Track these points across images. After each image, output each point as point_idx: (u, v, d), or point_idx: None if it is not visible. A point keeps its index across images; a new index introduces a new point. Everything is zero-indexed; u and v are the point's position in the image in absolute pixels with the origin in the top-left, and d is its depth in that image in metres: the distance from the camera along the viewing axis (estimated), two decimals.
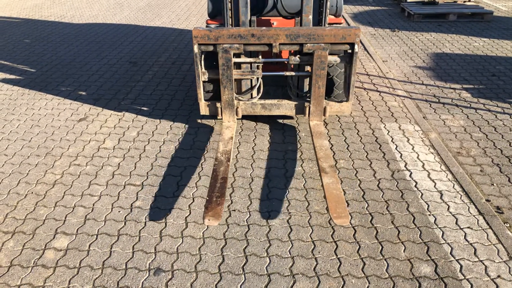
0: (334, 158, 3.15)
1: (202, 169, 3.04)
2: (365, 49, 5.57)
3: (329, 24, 3.51)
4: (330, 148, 3.28)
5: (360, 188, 2.81)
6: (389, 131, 3.51)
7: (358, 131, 3.52)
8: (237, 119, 3.28)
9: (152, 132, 3.57)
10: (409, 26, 6.59)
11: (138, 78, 4.76)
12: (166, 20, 7.47)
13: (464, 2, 7.55)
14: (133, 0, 9.27)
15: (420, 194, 2.73)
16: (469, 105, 3.93)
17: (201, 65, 3.08)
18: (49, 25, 7.26)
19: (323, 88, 3.09)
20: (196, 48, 2.96)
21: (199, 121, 3.74)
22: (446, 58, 5.15)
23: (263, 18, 3.56)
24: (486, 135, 3.43)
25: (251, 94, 3.34)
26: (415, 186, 2.81)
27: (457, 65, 4.92)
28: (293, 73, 3.18)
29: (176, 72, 4.91)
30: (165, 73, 4.89)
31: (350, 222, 2.50)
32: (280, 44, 2.93)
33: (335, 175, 2.55)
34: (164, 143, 3.41)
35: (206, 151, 3.27)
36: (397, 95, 4.18)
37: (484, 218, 2.51)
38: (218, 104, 3.20)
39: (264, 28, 2.93)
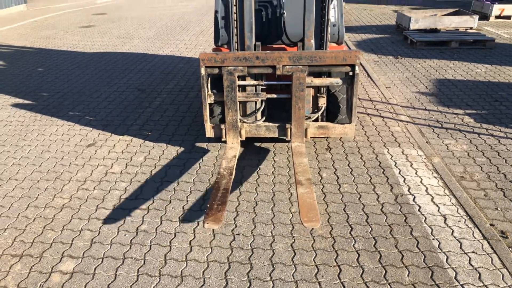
0: (338, 182, 3.18)
1: (207, 193, 3.09)
2: (369, 75, 5.67)
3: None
4: (334, 172, 3.32)
5: (364, 212, 2.82)
6: (392, 156, 3.54)
7: (362, 155, 3.56)
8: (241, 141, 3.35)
9: (159, 157, 3.64)
10: (412, 53, 6.72)
11: (146, 105, 4.88)
12: (174, 49, 7.69)
13: (466, 29, 7.70)
14: (143, 30, 9.57)
15: (424, 218, 2.74)
16: (472, 130, 3.97)
17: (207, 87, 3.19)
18: (62, 54, 7.50)
19: (303, 109, 3.15)
20: (203, 71, 3.07)
21: (204, 146, 3.81)
22: (449, 84, 5.22)
23: (267, 46, 3.68)
24: (490, 160, 3.44)
25: (256, 117, 3.42)
26: (419, 210, 2.82)
27: (460, 91, 4.98)
28: (287, 95, 3.26)
29: (183, 98, 5.03)
30: (172, 99, 5.01)
31: (353, 246, 2.51)
32: (283, 66, 3.03)
33: (310, 186, 2.61)
34: (170, 167, 3.47)
35: (211, 175, 3.32)
36: (400, 121, 4.23)
37: (488, 242, 2.50)
38: (222, 126, 3.28)
39: (268, 51, 3.04)
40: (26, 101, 5.13)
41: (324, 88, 3.36)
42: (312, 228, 2.67)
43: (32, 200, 3.07)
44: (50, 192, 3.17)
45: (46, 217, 2.86)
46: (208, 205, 2.43)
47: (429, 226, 2.67)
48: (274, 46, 3.71)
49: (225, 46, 3.84)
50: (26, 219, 2.86)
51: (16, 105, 5.01)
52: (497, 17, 9.19)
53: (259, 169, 3.40)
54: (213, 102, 3.30)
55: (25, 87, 5.69)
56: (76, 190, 3.19)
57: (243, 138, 3.33)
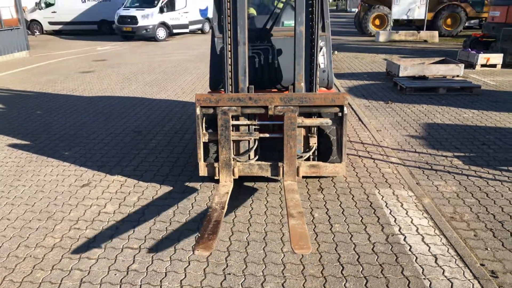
0: (330, 222, 3.20)
1: (198, 233, 3.09)
2: (360, 119, 5.83)
3: None
4: (326, 212, 3.35)
5: (355, 251, 2.83)
6: (383, 197, 3.59)
7: (353, 196, 3.61)
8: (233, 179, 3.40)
9: (152, 197, 3.67)
10: (402, 99, 6.94)
11: (142, 146, 4.96)
12: (171, 93, 7.90)
13: (453, 77, 8.01)
14: (141, 76, 9.86)
15: (415, 257, 2.75)
16: (461, 172, 4.05)
17: (202, 127, 3.29)
18: (61, 98, 7.68)
19: (294, 148, 3.24)
20: (198, 111, 3.19)
21: (198, 186, 3.85)
22: (438, 128, 5.37)
23: (260, 90, 3.83)
24: (479, 201, 3.50)
25: (249, 156, 3.49)
26: (410, 250, 2.84)
27: (448, 134, 5.12)
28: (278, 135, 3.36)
29: (178, 140, 5.12)
30: (168, 141, 5.11)
31: (345, 286, 2.50)
32: (275, 106, 3.15)
33: (302, 218, 2.66)
34: (163, 207, 3.49)
35: (204, 216, 3.34)
36: (391, 162, 4.32)
37: (479, 282, 2.51)
38: (216, 164, 3.35)
39: (260, 93, 3.18)
40: (23, 142, 5.20)
41: (315, 128, 3.48)
42: (304, 268, 2.66)
43: (23, 240, 3.05)
44: (41, 231, 3.16)
45: (36, 257, 2.84)
46: (199, 234, 2.46)
47: (420, 265, 2.67)
48: (266, 90, 3.86)
49: (220, 90, 3.99)
50: (16, 258, 2.83)
51: (13, 146, 5.07)
52: (483, 65, 9.57)
53: (252, 208, 3.43)
54: (207, 140, 3.39)
55: (23, 129, 5.78)
56: (68, 229, 3.18)
57: (236, 176, 3.38)
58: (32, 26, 21.63)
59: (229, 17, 3.37)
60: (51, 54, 14.59)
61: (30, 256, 2.86)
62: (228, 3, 3.34)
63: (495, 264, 2.69)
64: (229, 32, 3.40)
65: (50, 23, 22.52)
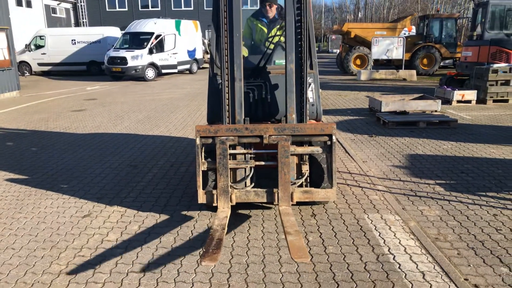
0: (324, 244, 3.40)
1: (199, 257, 3.24)
2: (346, 151, 6.14)
3: None
4: (320, 236, 3.55)
5: (349, 270, 3.02)
6: (372, 221, 3.82)
7: (344, 221, 3.83)
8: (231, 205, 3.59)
9: (153, 226, 3.82)
10: (385, 132, 7.32)
11: (138, 179, 5.13)
12: (164, 129, 8.14)
13: (432, 112, 8.49)
14: (133, 113, 10.11)
15: (404, 274, 2.95)
16: (443, 198, 4.33)
17: (201, 156, 3.51)
18: (55, 136, 7.83)
19: (288, 174, 3.48)
20: (198, 141, 3.42)
21: (196, 215, 4.02)
22: (420, 158, 5.70)
23: (254, 122, 4.11)
24: (460, 223, 3.75)
25: (245, 183, 3.71)
26: (399, 267, 3.04)
27: (430, 164, 5.45)
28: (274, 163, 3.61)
29: (174, 173, 5.32)
30: (163, 174, 5.29)
31: None
32: (269, 136, 3.41)
33: (299, 235, 2.88)
34: (163, 235, 3.64)
35: (203, 242, 3.49)
36: (378, 190, 4.58)
37: None
38: (214, 192, 3.54)
39: (256, 123, 3.46)
40: (21, 177, 5.32)
41: (307, 156, 3.74)
42: (301, 286, 2.83)
43: (29, 267, 3.15)
44: (47, 259, 3.27)
45: (44, 283, 2.95)
46: (204, 249, 2.65)
47: (409, 281, 2.87)
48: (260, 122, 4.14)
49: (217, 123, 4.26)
50: (24, 284, 2.93)
51: (11, 181, 5.18)
52: (459, 101, 10.16)
53: (249, 234, 3.60)
54: (206, 169, 3.60)
55: (19, 165, 5.89)
56: (73, 257, 3.30)
57: (234, 203, 3.58)
58: (21, 67, 21.93)
59: (226, 57, 3.70)
60: (41, 94, 14.81)
61: (38, 282, 2.96)
62: (226, 44, 3.67)
63: (477, 278, 2.91)
64: (227, 70, 3.71)
65: (40, 64, 22.92)
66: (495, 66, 10.28)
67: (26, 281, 2.97)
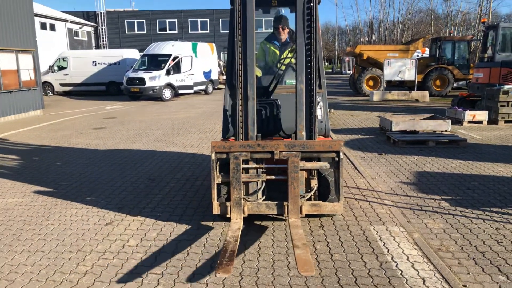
0: (330, 252, 3.60)
1: (213, 262, 3.48)
2: (356, 168, 6.34)
3: None
4: (327, 245, 3.75)
5: (353, 275, 3.21)
6: (377, 232, 4.01)
7: (351, 231, 4.03)
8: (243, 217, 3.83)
9: (170, 233, 4.08)
10: (394, 151, 7.51)
11: (156, 192, 5.42)
12: (180, 146, 8.48)
13: (442, 131, 8.64)
14: (151, 131, 10.51)
15: (406, 280, 3.13)
16: (447, 212, 4.49)
17: (216, 170, 3.78)
18: (77, 151, 8.24)
19: (297, 188, 3.70)
20: (213, 156, 3.70)
21: (210, 224, 4.27)
22: (427, 176, 5.87)
23: (266, 138, 4.38)
24: (463, 236, 3.91)
25: (257, 196, 3.95)
26: (401, 274, 3.22)
27: (437, 181, 5.61)
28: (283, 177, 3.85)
29: (190, 186, 5.60)
30: (180, 187, 5.57)
31: None
32: (280, 151, 3.67)
33: (306, 248, 3.05)
34: (180, 241, 3.89)
35: (217, 248, 3.74)
36: (385, 204, 4.77)
37: None
38: (228, 204, 3.79)
39: (267, 140, 3.71)
40: (46, 189, 5.67)
41: (315, 171, 3.97)
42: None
43: (58, 267, 3.43)
44: (73, 261, 3.55)
45: (71, 281, 3.22)
46: (218, 261, 2.86)
47: (410, 286, 3.05)
48: (272, 138, 4.42)
49: (230, 138, 4.55)
50: (53, 282, 3.21)
51: (38, 192, 5.53)
52: (470, 122, 10.28)
53: (260, 242, 3.83)
54: (220, 182, 3.87)
55: (45, 178, 6.26)
56: (97, 259, 3.57)
57: (246, 215, 3.82)
58: (45, 87, 22.84)
59: (240, 77, 4.01)
60: (63, 112, 15.43)
61: (66, 280, 3.23)
62: (240, 66, 3.99)
63: (476, 285, 3.07)
64: (240, 89, 4.01)
65: (62, 84, 23.85)
66: (506, 87, 10.42)
67: (56, 279, 3.25)
